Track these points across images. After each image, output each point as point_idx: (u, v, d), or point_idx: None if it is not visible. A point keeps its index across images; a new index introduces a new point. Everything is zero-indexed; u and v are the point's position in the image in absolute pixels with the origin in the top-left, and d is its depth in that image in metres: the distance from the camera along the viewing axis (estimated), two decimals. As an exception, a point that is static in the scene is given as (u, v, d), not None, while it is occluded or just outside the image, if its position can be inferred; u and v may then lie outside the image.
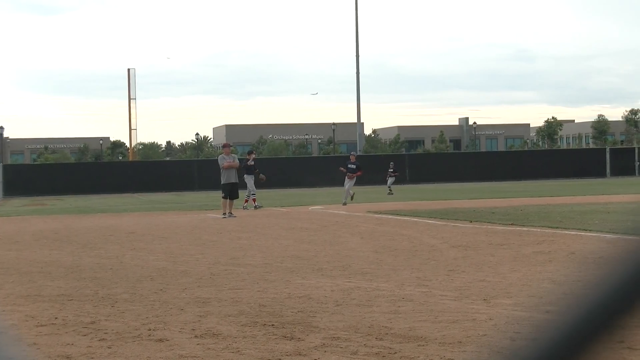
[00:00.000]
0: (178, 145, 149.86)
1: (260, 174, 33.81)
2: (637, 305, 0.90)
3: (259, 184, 34.07)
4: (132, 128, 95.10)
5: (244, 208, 32.68)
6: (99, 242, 18.98)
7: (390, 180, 47.67)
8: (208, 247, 17.35)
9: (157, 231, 22.02)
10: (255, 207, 32.67)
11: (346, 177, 34.76)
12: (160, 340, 7.86)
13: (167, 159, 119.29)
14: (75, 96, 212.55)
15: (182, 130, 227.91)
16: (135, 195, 58.74)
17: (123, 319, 9.05)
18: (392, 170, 48.25)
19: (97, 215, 32.73)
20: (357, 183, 35.57)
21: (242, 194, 33.25)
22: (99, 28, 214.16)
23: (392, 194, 44.78)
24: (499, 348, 1.06)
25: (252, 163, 34.46)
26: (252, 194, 33.39)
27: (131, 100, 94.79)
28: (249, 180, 33.51)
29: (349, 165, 35.01)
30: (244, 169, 33.52)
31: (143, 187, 63.73)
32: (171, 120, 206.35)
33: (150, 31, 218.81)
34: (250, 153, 35.62)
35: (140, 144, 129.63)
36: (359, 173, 34.79)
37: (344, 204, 33.57)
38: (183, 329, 8.37)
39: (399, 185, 59.98)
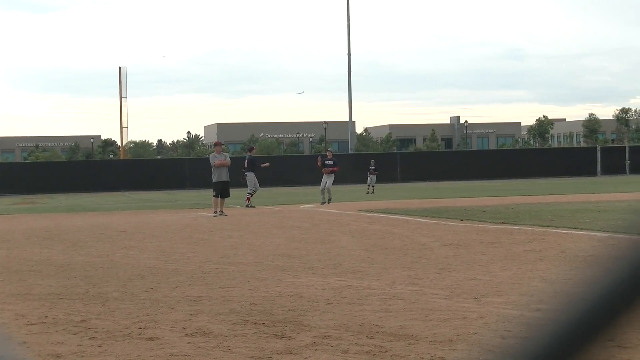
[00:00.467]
0: (169, 143, 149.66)
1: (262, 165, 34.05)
2: (630, 304, 0.90)
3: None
4: (123, 126, 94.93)
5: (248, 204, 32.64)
6: (89, 241, 18.95)
7: (371, 178, 47.21)
8: (199, 245, 17.34)
9: (148, 230, 22.00)
10: (247, 206, 32.61)
11: (324, 174, 34.48)
12: (151, 338, 7.85)
13: (159, 157, 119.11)
14: (66, 94, 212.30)
15: (174, 128, 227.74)
16: (126, 193, 58.64)
17: (113, 317, 9.04)
18: (373, 167, 47.84)
19: (88, 213, 32.68)
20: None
21: (243, 192, 33.28)
22: (91, 26, 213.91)
23: (373, 192, 44.51)
24: (489, 346, 1.06)
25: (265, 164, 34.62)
26: (248, 193, 33.25)
27: (122, 99, 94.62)
28: (252, 176, 33.32)
29: (326, 162, 34.85)
30: (249, 165, 33.44)
31: (134, 186, 63.60)
32: (162, 119, 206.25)
33: (142, 29, 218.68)
34: (251, 150, 35.58)
35: (132, 142, 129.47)
36: (336, 168, 34.63)
37: (324, 203, 33.34)
38: (174, 327, 8.36)
39: (389, 184, 59.99)
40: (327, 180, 34.14)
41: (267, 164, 34.53)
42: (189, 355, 7.13)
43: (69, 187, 62.62)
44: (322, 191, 34.04)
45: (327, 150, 37.75)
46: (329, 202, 33.12)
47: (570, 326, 0.93)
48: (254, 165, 33.65)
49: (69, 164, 76.47)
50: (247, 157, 34.36)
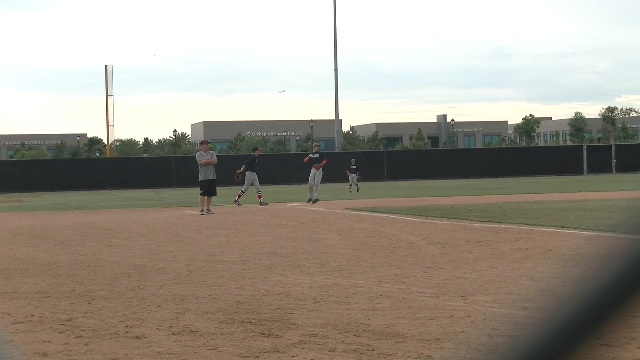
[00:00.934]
0: (156, 142, 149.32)
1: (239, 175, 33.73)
2: (621, 303, 0.90)
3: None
4: (109, 124, 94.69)
5: (261, 204, 32.35)
6: (76, 239, 18.90)
7: (352, 177, 47.08)
8: (186, 244, 17.31)
9: (134, 228, 21.96)
10: (236, 202, 32.57)
11: (312, 168, 34.19)
12: (138, 337, 7.84)
13: (145, 155, 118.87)
14: (52, 92, 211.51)
15: (160, 126, 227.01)
16: (113, 192, 58.54)
17: (100, 316, 9.02)
18: (354, 167, 47.78)
19: (74, 212, 32.59)
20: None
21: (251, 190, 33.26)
22: (77, 24, 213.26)
23: (358, 191, 44.45)
24: (476, 345, 1.06)
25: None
26: (242, 191, 33.13)
27: (108, 97, 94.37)
28: (252, 176, 33.15)
29: (312, 156, 34.60)
30: (248, 165, 33.27)
31: (120, 184, 63.51)
32: (149, 117, 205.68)
33: (128, 27, 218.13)
34: (256, 149, 35.31)
35: (118, 140, 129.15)
36: (324, 161, 34.41)
37: (311, 201, 33.07)
38: (160, 325, 8.34)
39: (376, 183, 60.05)
40: (316, 175, 33.85)
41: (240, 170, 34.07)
42: (176, 354, 7.12)
43: (55, 185, 62.48)
44: (310, 188, 33.81)
45: (314, 145, 37.31)
46: (314, 202, 32.82)
47: (562, 326, 0.93)
48: (253, 166, 33.41)
49: (55, 162, 76.20)
50: (250, 156, 34.22)
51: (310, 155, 34.75)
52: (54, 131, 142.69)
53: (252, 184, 33.14)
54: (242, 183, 33.71)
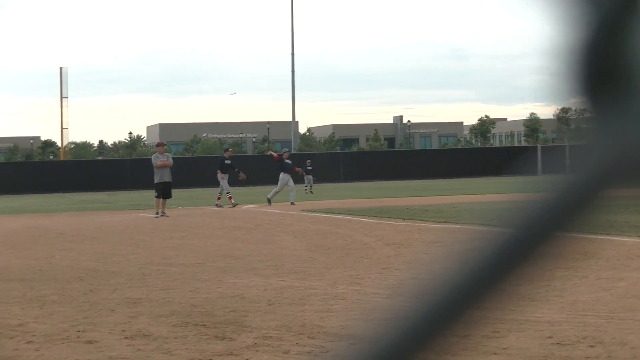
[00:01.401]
0: (111, 144, 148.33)
1: (240, 173, 33.68)
2: (480, 296, 0.86)
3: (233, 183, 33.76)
4: (63, 127, 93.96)
5: (217, 206, 32.26)
6: (27, 243, 18.68)
7: (307, 178, 47.02)
8: (140, 247, 17.18)
9: (88, 231, 21.76)
10: (232, 204, 32.32)
11: (285, 174, 33.81)
12: (90, 342, 7.74)
13: (100, 158, 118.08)
14: (5, 95, 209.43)
15: (115, 129, 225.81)
16: (67, 195, 58.02)
17: (52, 320, 8.90)
18: (310, 168, 47.74)
19: (26, 215, 32.24)
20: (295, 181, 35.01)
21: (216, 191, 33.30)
22: (31, 25, 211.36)
23: (312, 192, 44.51)
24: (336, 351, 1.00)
25: (229, 162, 33.99)
26: (227, 192, 32.96)
27: (63, 99, 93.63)
28: (225, 177, 33.14)
29: (286, 161, 34.35)
30: (219, 166, 33.36)
31: (74, 187, 62.93)
32: (104, 119, 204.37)
33: (83, 29, 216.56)
34: (227, 150, 35.30)
35: (72, 143, 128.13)
36: (295, 168, 34.41)
37: (270, 201, 32.98)
38: (113, 330, 8.25)
39: (332, 184, 60.10)
40: (289, 180, 33.58)
41: (242, 176, 34.27)
42: (128, 358, 7.04)
43: (7, 188, 61.74)
44: (278, 192, 33.48)
45: (284, 151, 36.97)
46: (292, 204, 32.38)
47: (418, 317, 0.89)
48: (226, 168, 33.49)
49: (7, 165, 75.44)
50: (221, 158, 34.32)
51: (285, 160, 34.46)
52: (6, 134, 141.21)
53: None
54: (243, 184, 33.87)
